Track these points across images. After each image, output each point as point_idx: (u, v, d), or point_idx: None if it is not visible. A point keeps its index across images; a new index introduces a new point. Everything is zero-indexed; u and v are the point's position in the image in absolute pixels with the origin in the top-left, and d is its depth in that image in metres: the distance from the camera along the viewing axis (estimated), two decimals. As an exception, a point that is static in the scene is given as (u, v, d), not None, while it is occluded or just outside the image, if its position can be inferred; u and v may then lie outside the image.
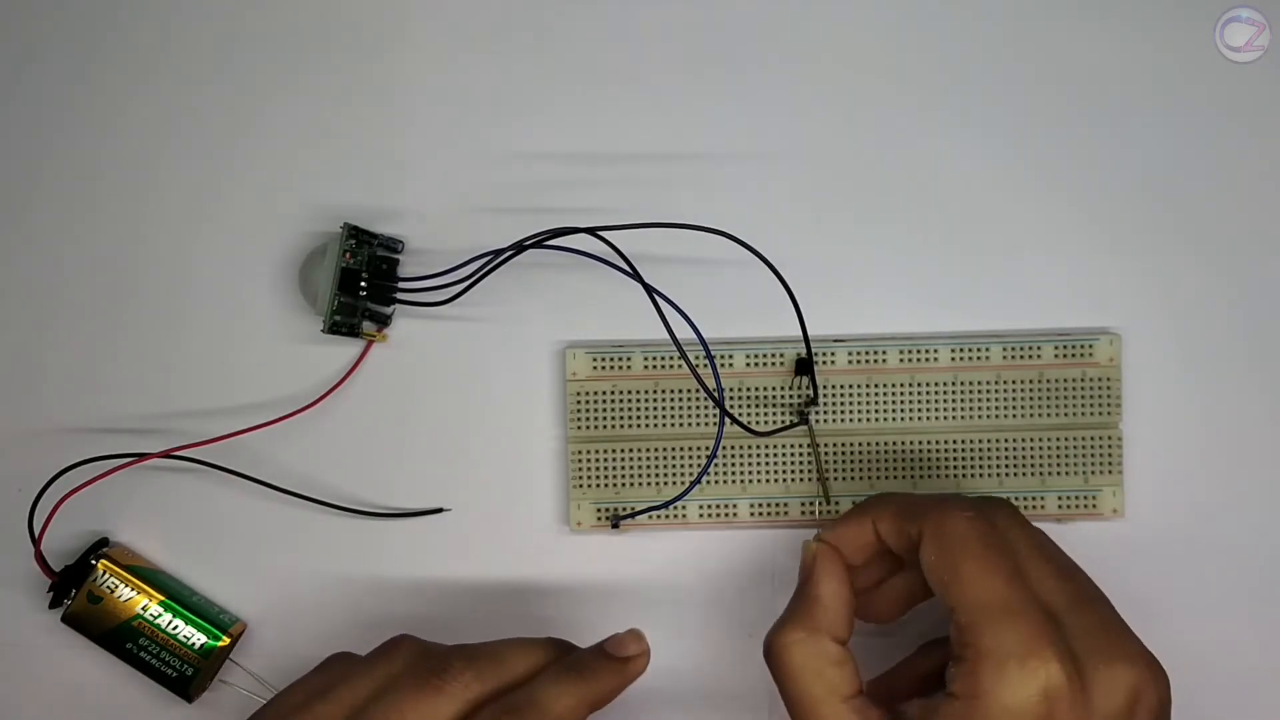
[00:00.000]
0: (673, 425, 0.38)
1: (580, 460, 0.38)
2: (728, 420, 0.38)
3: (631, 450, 0.38)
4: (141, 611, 0.38)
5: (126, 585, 0.38)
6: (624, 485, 0.38)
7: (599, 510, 0.39)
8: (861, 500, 0.35)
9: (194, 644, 0.38)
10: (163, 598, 0.38)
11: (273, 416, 0.38)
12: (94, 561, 0.38)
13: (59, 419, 0.39)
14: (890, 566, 0.35)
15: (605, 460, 0.38)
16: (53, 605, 0.38)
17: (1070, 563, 0.33)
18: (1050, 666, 0.30)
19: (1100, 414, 0.38)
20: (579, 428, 0.38)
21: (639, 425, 0.38)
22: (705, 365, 0.37)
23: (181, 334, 0.39)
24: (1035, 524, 0.34)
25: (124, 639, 0.38)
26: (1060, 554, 0.33)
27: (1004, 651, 0.30)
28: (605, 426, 0.38)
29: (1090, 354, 0.38)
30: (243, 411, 0.39)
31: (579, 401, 0.38)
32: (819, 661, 0.33)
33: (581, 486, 0.39)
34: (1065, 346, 0.38)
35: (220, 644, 0.38)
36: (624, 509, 0.38)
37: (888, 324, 0.39)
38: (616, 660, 0.35)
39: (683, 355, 0.35)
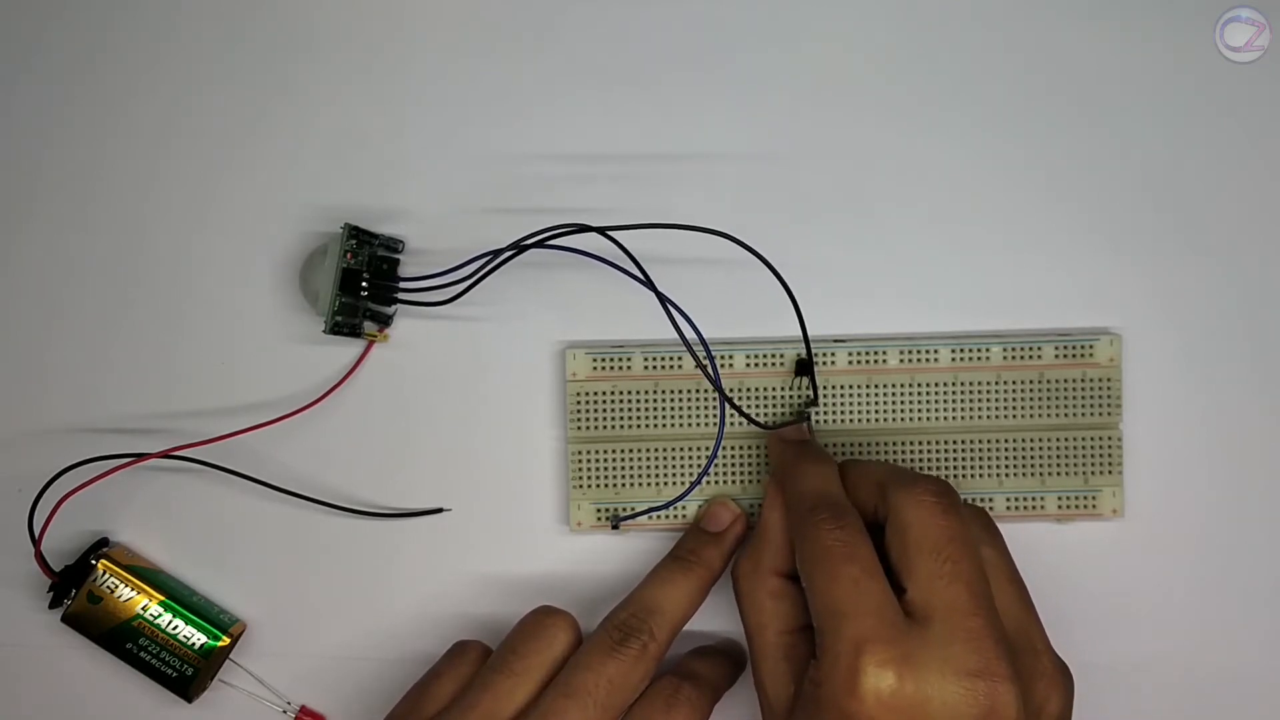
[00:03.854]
0: (673, 425, 0.38)
1: (580, 460, 0.38)
2: (728, 422, 0.38)
3: (631, 450, 0.38)
4: (141, 611, 0.38)
5: (126, 585, 0.38)
6: (624, 485, 0.38)
7: (599, 510, 0.39)
8: (789, 461, 0.37)
9: (194, 644, 0.38)
10: (163, 598, 0.38)
11: (273, 416, 0.38)
12: (94, 561, 0.38)
13: (59, 419, 0.39)
14: None
15: (605, 460, 0.38)
16: (53, 605, 0.38)
17: (971, 569, 0.32)
18: (877, 670, 0.30)
19: (1100, 414, 0.38)
20: (579, 428, 0.38)
21: (639, 425, 0.38)
22: (706, 366, 0.37)
23: (182, 334, 0.39)
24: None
25: (124, 639, 0.38)
26: (963, 557, 0.32)
27: (835, 651, 0.31)
28: (605, 426, 0.38)
29: (1090, 354, 0.38)
30: (243, 411, 0.39)
31: (579, 401, 0.38)
32: (760, 593, 0.35)
33: (581, 486, 0.39)
34: (1065, 346, 0.38)
35: (220, 644, 0.38)
36: (624, 509, 0.38)
37: (888, 324, 0.39)
38: (714, 535, 0.37)
39: (689, 349, 0.35)
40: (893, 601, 0.31)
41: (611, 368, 0.38)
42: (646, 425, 0.38)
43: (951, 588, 0.31)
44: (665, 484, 0.38)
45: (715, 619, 0.39)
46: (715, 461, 0.38)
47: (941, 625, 0.31)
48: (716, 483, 0.39)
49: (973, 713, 0.30)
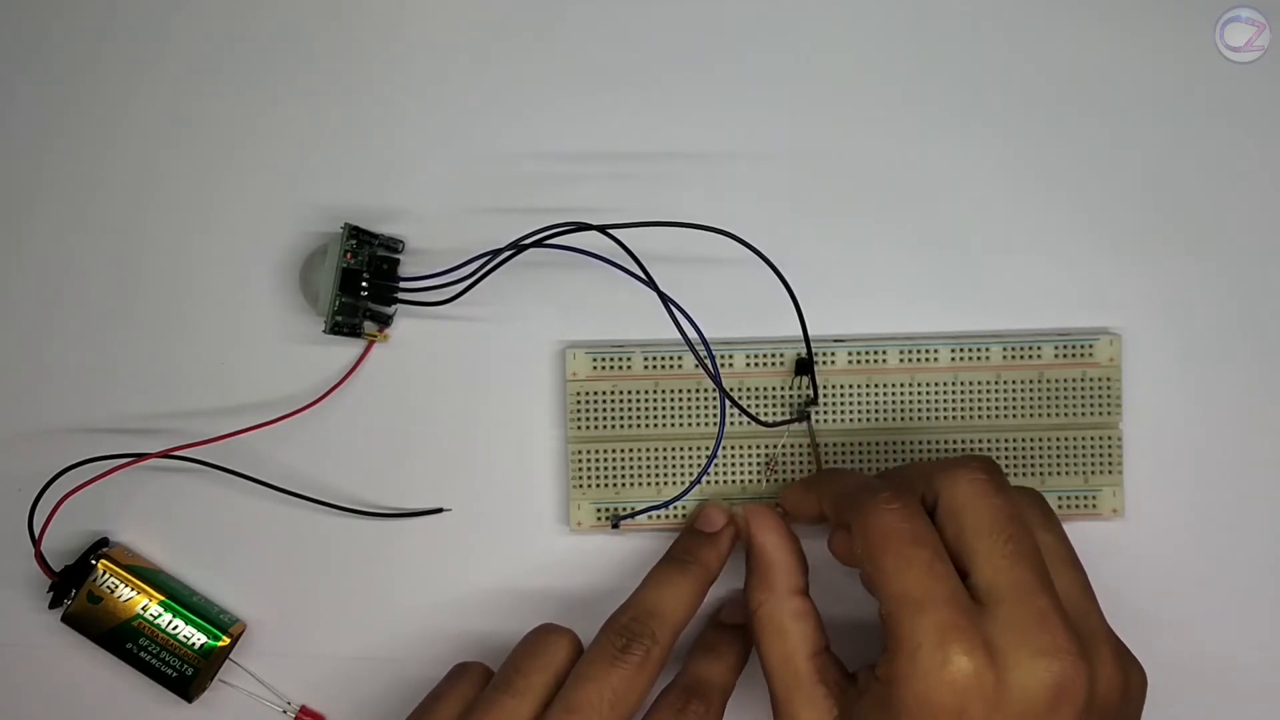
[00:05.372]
0: (673, 425, 0.38)
1: (580, 460, 0.38)
2: (728, 422, 0.38)
3: (631, 450, 0.38)
4: (141, 611, 0.38)
5: (126, 585, 0.38)
6: (624, 485, 0.38)
7: (599, 510, 0.39)
8: (812, 476, 0.38)
9: (194, 644, 0.38)
10: (163, 598, 0.38)
11: (273, 416, 0.38)
12: (94, 561, 0.38)
13: (59, 419, 0.39)
14: None
15: (605, 460, 0.38)
16: (53, 605, 0.38)
17: (1030, 546, 0.32)
18: (960, 658, 0.30)
19: (1100, 414, 0.38)
20: (579, 428, 0.38)
21: (639, 425, 0.38)
22: (706, 363, 0.37)
23: (182, 334, 0.39)
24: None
25: (124, 639, 0.38)
26: (1022, 536, 0.32)
27: (915, 642, 0.30)
28: (605, 426, 0.38)
29: (1090, 354, 0.38)
30: (243, 411, 0.39)
31: (579, 401, 0.38)
32: (782, 616, 0.34)
33: (581, 486, 0.39)
34: (1065, 346, 0.38)
35: (220, 644, 0.38)
36: (624, 509, 0.38)
37: (888, 324, 0.39)
38: (709, 536, 0.37)
39: (690, 348, 0.35)
40: (962, 586, 0.31)
41: (611, 367, 0.38)
42: (646, 425, 0.38)
43: (1016, 568, 0.31)
44: (665, 484, 0.38)
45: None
46: (715, 461, 0.38)
47: (1011, 607, 0.31)
48: (716, 482, 0.39)
49: (1046, 691, 0.30)
